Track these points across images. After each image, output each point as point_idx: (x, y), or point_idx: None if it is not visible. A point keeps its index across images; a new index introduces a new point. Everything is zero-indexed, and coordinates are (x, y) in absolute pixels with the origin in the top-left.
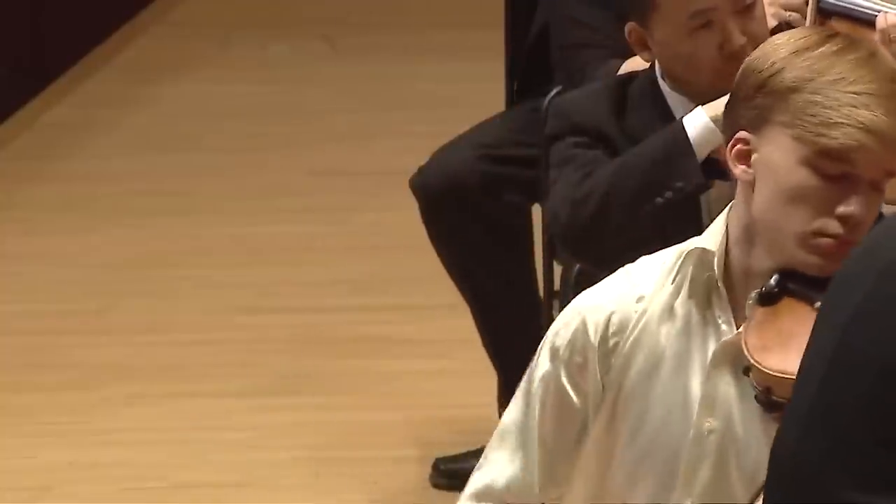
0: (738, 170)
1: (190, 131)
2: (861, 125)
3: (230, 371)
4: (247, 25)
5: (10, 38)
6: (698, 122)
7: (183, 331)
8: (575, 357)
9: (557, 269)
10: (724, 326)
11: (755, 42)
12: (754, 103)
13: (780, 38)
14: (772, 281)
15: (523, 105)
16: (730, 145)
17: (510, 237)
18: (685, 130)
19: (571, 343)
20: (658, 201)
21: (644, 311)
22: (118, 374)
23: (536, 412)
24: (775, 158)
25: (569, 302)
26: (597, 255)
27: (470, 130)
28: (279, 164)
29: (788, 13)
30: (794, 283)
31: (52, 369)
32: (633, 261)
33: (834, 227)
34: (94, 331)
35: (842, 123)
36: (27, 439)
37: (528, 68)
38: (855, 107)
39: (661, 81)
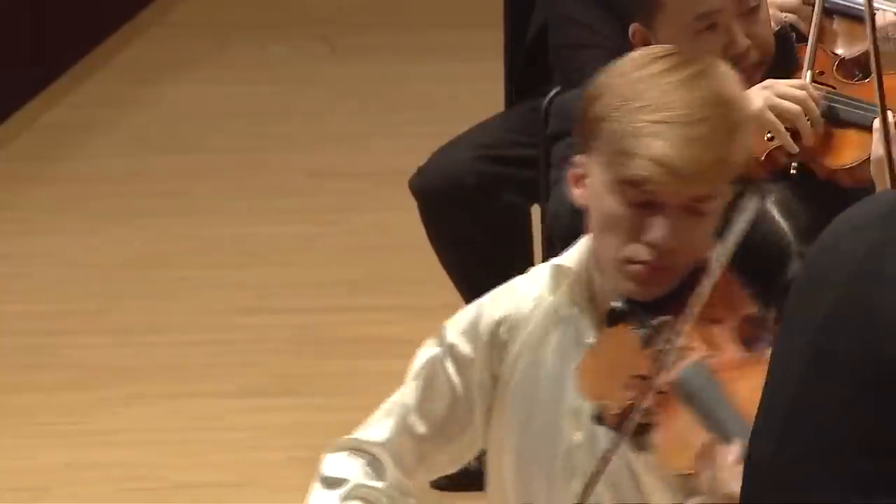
0: (575, 194)
1: (189, 132)
2: (653, 157)
3: (229, 371)
4: (246, 26)
5: (10, 38)
6: None
7: (182, 331)
8: (463, 346)
9: None
10: (589, 341)
11: (759, 45)
12: (582, 128)
13: (625, 57)
14: (617, 301)
15: (522, 105)
16: (569, 169)
17: (509, 237)
18: None
19: (463, 333)
20: None
21: (534, 316)
22: (117, 374)
23: (416, 392)
24: (594, 185)
25: None
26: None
27: (469, 131)
28: (278, 165)
29: (784, 14)
30: (634, 305)
31: (52, 369)
32: None
33: (643, 253)
34: (94, 331)
35: (637, 154)
36: (26, 440)
37: (527, 68)
38: (651, 137)
39: None
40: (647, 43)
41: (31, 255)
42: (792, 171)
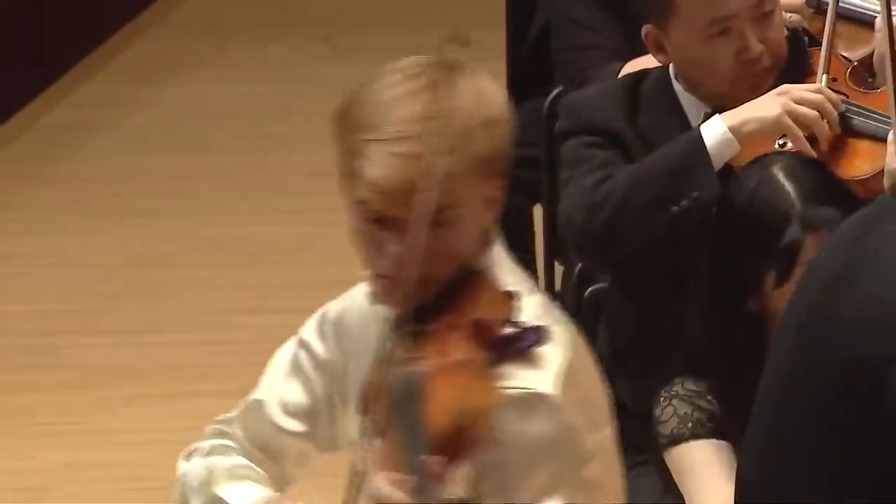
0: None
1: (190, 132)
2: (365, 178)
3: (230, 371)
4: (246, 26)
5: (11, 39)
6: (716, 131)
7: (182, 331)
8: (315, 343)
9: (558, 270)
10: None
11: (772, 49)
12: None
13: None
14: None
15: (524, 105)
16: None
17: (511, 237)
18: (702, 139)
19: (314, 330)
20: (674, 210)
21: (364, 311)
22: (118, 374)
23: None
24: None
25: (570, 301)
26: (610, 260)
27: None
28: (279, 165)
29: (789, 15)
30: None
31: (52, 369)
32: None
33: (385, 267)
34: (94, 331)
35: (355, 175)
36: (26, 440)
37: (529, 69)
38: (364, 158)
39: (674, 82)
40: (659, 44)
41: (31, 255)
42: None
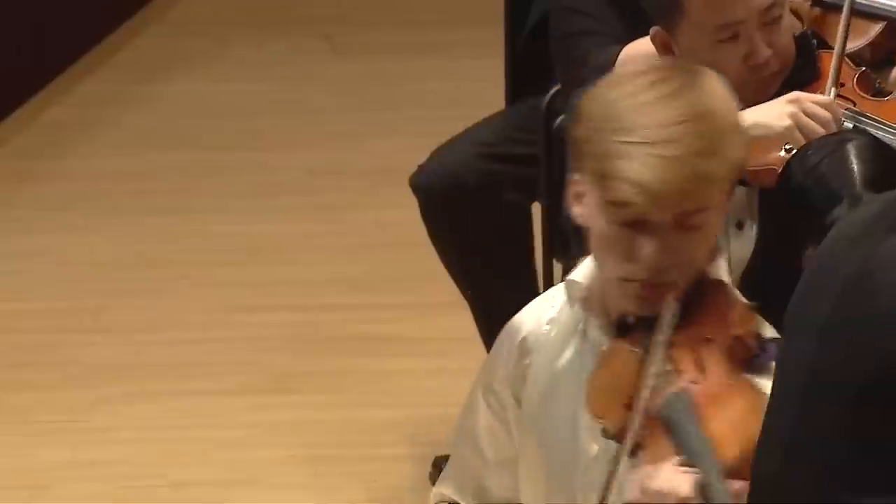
0: (575, 212)
1: (189, 130)
2: (628, 180)
3: (229, 369)
4: (245, 24)
5: (10, 37)
6: None
7: (182, 329)
8: (499, 371)
9: (557, 268)
10: (604, 349)
11: (780, 53)
12: (571, 147)
13: (608, 75)
14: (625, 314)
15: (523, 103)
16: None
17: (510, 235)
18: None
19: (494, 358)
20: None
21: (550, 333)
22: (117, 372)
23: (473, 420)
24: (589, 204)
25: None
26: None
27: (470, 128)
28: (278, 163)
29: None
30: (642, 320)
31: (51, 368)
32: None
33: (637, 272)
34: (93, 329)
35: (615, 177)
36: (25, 438)
37: (528, 66)
38: (626, 159)
39: None
40: (667, 46)
41: (30, 253)
42: None
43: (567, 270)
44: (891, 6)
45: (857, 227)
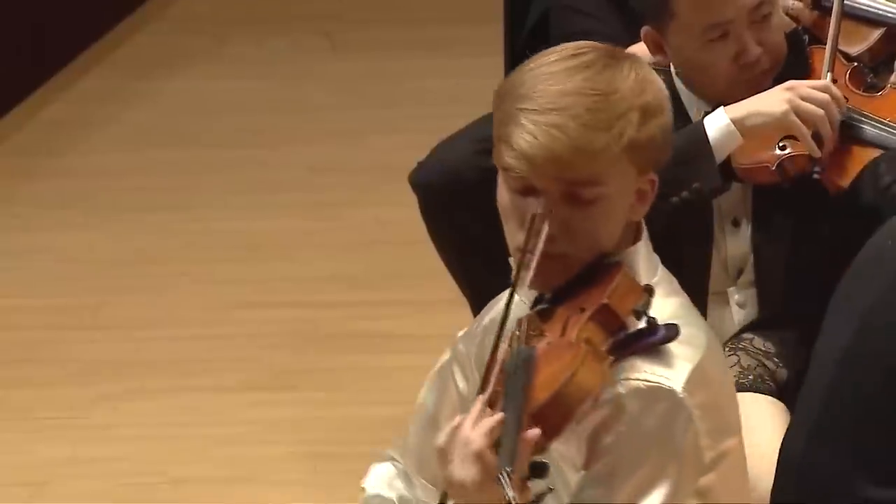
0: None
1: (188, 127)
2: (511, 143)
3: (229, 366)
4: (245, 21)
5: (9, 34)
6: (719, 123)
7: (181, 326)
8: (463, 348)
9: None
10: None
11: (771, 51)
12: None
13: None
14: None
15: None
16: None
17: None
18: (705, 131)
19: (465, 335)
20: (673, 200)
21: (501, 299)
22: (116, 369)
23: (431, 396)
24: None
25: None
26: None
27: (470, 125)
28: (278, 160)
29: (790, 2)
30: (555, 296)
31: (51, 365)
32: None
33: (523, 240)
34: (93, 326)
35: (502, 141)
36: (25, 435)
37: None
38: (513, 124)
39: (675, 78)
40: (658, 46)
41: (30, 250)
42: (815, 176)
43: None
44: (888, 10)
45: None
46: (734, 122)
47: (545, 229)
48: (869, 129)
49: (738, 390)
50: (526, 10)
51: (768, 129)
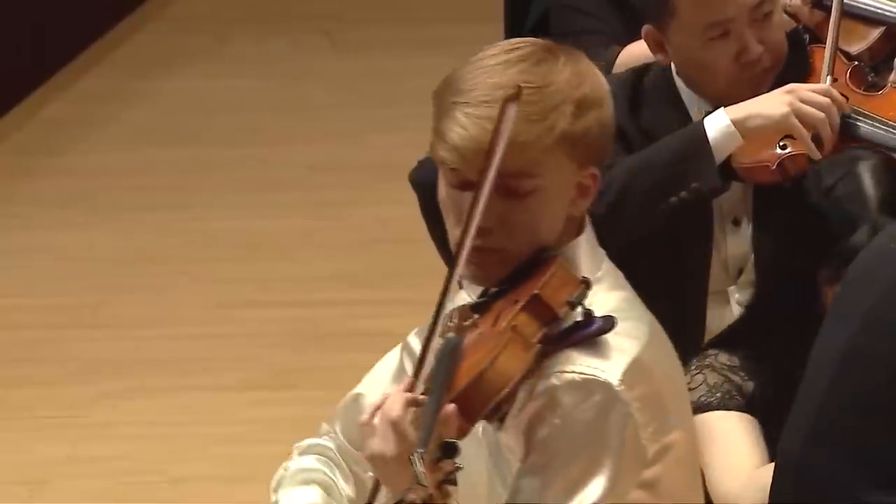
0: None
1: (188, 126)
2: (443, 135)
3: (229, 365)
4: (245, 20)
5: (10, 34)
6: (719, 123)
7: (181, 325)
8: (414, 342)
9: None
10: None
11: (772, 50)
12: None
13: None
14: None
15: None
16: None
17: None
18: (705, 131)
19: (418, 331)
20: (673, 201)
21: (439, 302)
22: (117, 368)
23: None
24: None
25: None
26: (608, 250)
27: None
28: (278, 159)
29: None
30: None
31: (51, 363)
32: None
33: (460, 235)
34: (93, 325)
35: (436, 134)
36: (25, 433)
37: None
38: (447, 117)
39: (676, 77)
40: (659, 45)
41: (30, 249)
42: None
43: None
44: (888, 9)
45: None
46: (734, 122)
47: (474, 222)
48: (869, 129)
49: (707, 409)
50: (526, 10)
51: (768, 131)
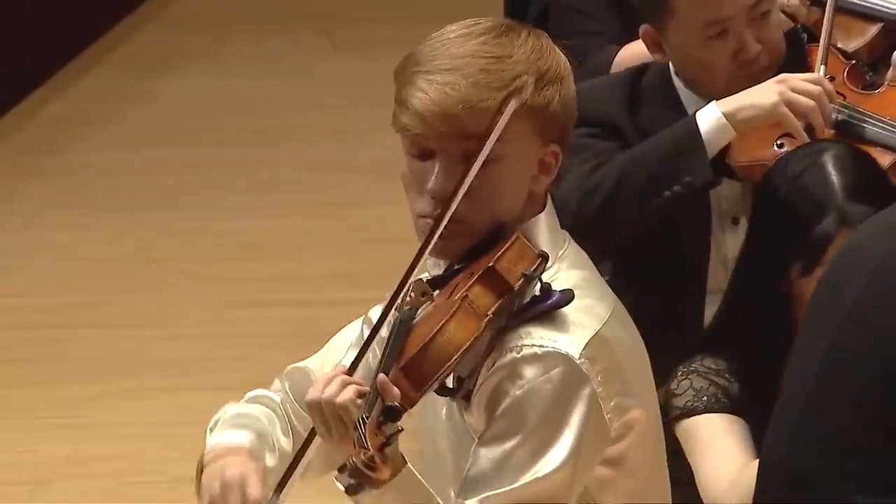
0: None
1: (188, 126)
2: (404, 102)
3: (229, 365)
4: (245, 20)
5: (10, 33)
6: (711, 116)
7: (181, 325)
8: (371, 316)
9: None
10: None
11: (770, 48)
12: None
13: None
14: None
15: None
16: None
17: None
18: (697, 125)
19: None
20: (666, 195)
21: (404, 276)
22: (116, 368)
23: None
24: None
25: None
26: (604, 245)
27: None
28: (278, 159)
29: (786, 0)
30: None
31: (51, 363)
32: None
33: (426, 206)
34: (93, 325)
35: (397, 102)
36: (25, 433)
37: None
38: (408, 86)
39: (674, 77)
40: (657, 45)
41: (30, 248)
42: None
43: None
44: (886, 5)
45: (887, 222)
46: (726, 115)
47: (456, 199)
48: (869, 128)
49: (693, 414)
50: (525, 10)
51: (760, 122)
